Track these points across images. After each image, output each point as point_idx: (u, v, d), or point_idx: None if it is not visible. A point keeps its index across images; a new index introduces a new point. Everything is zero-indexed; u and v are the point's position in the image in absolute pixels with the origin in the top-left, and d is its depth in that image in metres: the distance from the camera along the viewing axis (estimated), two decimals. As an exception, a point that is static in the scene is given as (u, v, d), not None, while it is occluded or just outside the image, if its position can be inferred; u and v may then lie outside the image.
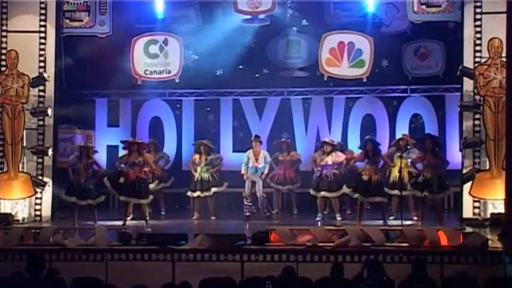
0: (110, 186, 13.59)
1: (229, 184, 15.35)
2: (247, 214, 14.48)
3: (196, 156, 15.17)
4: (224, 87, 16.93)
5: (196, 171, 15.05)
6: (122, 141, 14.25)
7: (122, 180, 13.45)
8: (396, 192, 13.70)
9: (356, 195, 13.36)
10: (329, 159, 14.46)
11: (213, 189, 14.97)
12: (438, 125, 16.44)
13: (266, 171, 15.07)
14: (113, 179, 13.57)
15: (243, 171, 14.97)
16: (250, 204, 14.60)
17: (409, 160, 13.84)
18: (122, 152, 14.49)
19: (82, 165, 13.66)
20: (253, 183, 14.88)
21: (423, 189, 12.95)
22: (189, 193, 15.14)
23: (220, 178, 15.11)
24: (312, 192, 14.51)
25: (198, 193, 14.99)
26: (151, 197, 13.79)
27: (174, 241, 11.09)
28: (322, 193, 14.38)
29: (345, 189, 14.11)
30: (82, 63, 15.65)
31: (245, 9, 15.46)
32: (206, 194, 14.98)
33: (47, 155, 14.49)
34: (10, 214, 14.01)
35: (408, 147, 13.89)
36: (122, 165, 13.65)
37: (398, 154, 13.77)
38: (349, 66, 15.62)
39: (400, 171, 13.76)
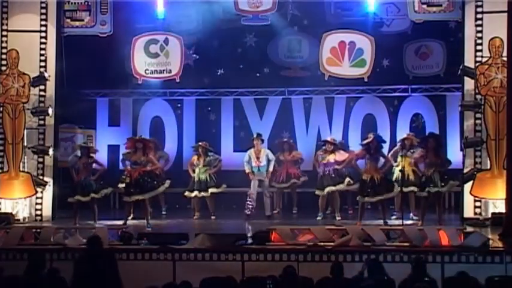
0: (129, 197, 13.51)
1: (230, 184, 15.32)
2: (248, 213, 14.46)
3: (195, 158, 15.15)
4: (225, 86, 16.90)
5: (194, 172, 15.02)
6: (128, 139, 13.97)
7: (127, 180, 13.44)
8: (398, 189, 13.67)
9: (366, 199, 13.21)
10: (331, 158, 14.45)
11: (211, 190, 14.90)
12: (439, 124, 16.43)
13: (271, 169, 14.91)
14: (123, 188, 13.59)
15: (247, 170, 14.89)
16: (251, 203, 14.56)
17: (412, 160, 13.80)
18: (122, 151, 14.46)
19: (82, 164, 13.65)
20: (260, 182, 14.83)
21: (427, 185, 12.90)
22: (186, 193, 15.09)
23: (218, 180, 15.05)
24: (317, 192, 14.44)
25: (195, 193, 14.95)
26: (162, 187, 13.69)
27: (175, 241, 11.11)
28: (328, 189, 14.29)
29: (348, 182, 14.14)
30: (83, 62, 15.61)
31: (246, 9, 15.44)
32: (204, 194, 14.93)
33: (48, 154, 14.50)
34: (11, 214, 14.02)
35: (412, 146, 13.91)
36: (127, 162, 13.58)
37: (401, 153, 13.74)
38: (350, 66, 15.61)
39: (401, 170, 13.72)
